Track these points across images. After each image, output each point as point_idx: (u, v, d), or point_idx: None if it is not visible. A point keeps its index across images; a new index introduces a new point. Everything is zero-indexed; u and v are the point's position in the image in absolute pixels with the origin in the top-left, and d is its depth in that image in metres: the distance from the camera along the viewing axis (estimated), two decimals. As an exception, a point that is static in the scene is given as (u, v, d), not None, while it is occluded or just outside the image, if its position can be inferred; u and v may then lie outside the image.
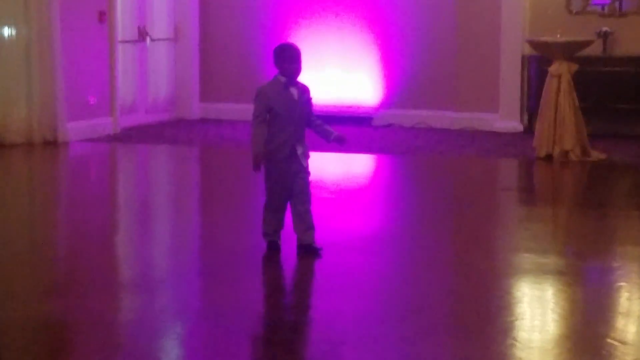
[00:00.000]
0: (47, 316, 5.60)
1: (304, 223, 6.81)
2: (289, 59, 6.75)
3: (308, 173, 6.85)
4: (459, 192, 9.65)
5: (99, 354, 4.97)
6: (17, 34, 11.88)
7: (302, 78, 6.86)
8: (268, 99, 6.74)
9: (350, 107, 13.86)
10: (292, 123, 6.73)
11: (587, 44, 11.42)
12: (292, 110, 6.74)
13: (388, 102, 13.85)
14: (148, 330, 5.40)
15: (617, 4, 13.02)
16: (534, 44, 11.79)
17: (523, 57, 13.10)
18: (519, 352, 4.97)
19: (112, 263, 6.95)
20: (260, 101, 6.77)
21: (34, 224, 8.24)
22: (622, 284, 6.35)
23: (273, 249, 6.86)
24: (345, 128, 12.97)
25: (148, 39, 14.04)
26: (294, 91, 6.76)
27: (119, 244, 7.55)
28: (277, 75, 6.80)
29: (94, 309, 5.68)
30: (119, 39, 13.27)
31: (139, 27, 13.89)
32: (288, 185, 6.77)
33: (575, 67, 11.02)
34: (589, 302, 5.99)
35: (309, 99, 6.88)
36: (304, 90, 6.85)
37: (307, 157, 6.86)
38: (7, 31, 11.86)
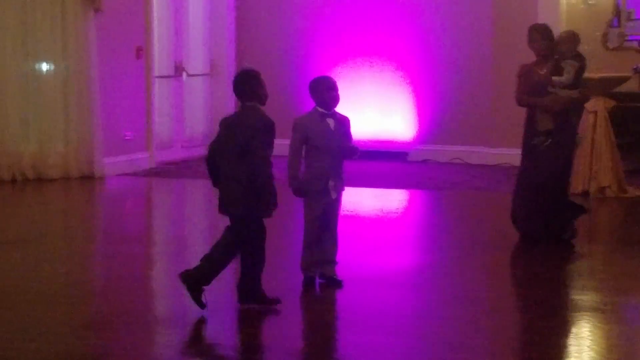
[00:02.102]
0: (83, 351, 5.63)
1: (329, 257, 6.85)
2: (326, 89, 6.78)
3: (339, 205, 6.87)
4: (495, 228, 9.60)
5: (135, 389, 4.99)
6: (55, 69, 12.01)
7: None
8: (305, 129, 6.76)
9: (386, 142, 13.87)
10: (329, 153, 6.74)
11: (623, 79, 11.40)
12: (329, 141, 6.75)
13: (423, 137, 13.84)
14: (184, 365, 5.41)
15: (653, 39, 13.00)
16: (570, 80, 11.75)
17: (559, 92, 13.06)
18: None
19: (148, 298, 6.98)
20: (297, 131, 6.81)
21: (71, 259, 8.28)
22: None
23: (309, 284, 6.86)
24: (381, 164, 13.01)
25: (184, 74, 14.14)
26: (330, 122, 6.77)
27: (155, 279, 7.57)
28: (315, 107, 6.83)
29: (130, 344, 5.70)
30: (156, 74, 13.38)
31: (175, 63, 14.00)
32: (323, 218, 6.78)
33: (611, 103, 10.99)
34: (626, 339, 5.94)
35: (347, 131, 6.87)
36: (343, 121, 6.85)
37: (342, 189, 6.87)
38: (45, 66, 12.01)
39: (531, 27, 8.62)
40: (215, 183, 6.54)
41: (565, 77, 8.32)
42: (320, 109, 6.79)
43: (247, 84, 6.51)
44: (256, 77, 6.65)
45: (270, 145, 6.36)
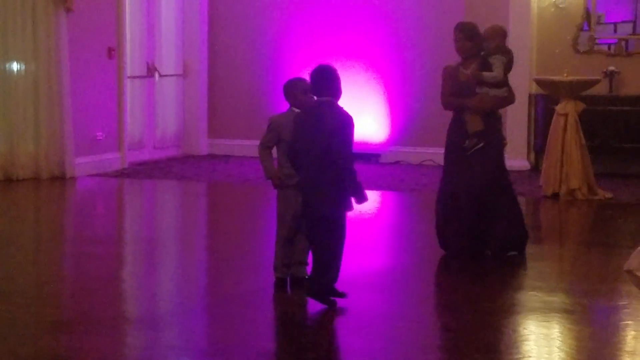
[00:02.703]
0: (53, 352, 5.60)
1: (300, 257, 6.85)
2: (301, 91, 6.79)
3: None
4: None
5: (105, 390, 4.97)
6: (26, 69, 11.95)
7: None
8: (280, 129, 6.77)
9: (358, 144, 13.82)
10: None
11: (593, 83, 11.46)
12: None
13: (396, 139, 13.87)
14: (154, 366, 5.41)
15: (623, 43, 13.08)
16: (541, 83, 11.84)
17: (530, 95, 13.14)
18: (525, 390, 4.96)
19: (118, 299, 6.95)
20: (272, 130, 6.82)
21: (41, 260, 8.25)
22: (628, 322, 6.35)
23: (280, 285, 6.86)
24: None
25: (156, 75, 14.11)
26: None
27: (126, 280, 7.55)
28: (290, 107, 6.83)
29: (100, 346, 5.68)
30: (128, 74, 13.34)
31: (147, 63, 13.97)
32: (297, 215, 6.78)
33: (582, 106, 11.05)
34: (596, 341, 5.98)
35: None
36: None
37: None
38: (16, 66, 11.93)
39: (455, 27, 8.11)
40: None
41: (497, 72, 7.96)
42: (295, 110, 6.80)
43: (327, 79, 6.45)
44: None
45: (352, 140, 6.36)
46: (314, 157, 6.29)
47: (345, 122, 6.30)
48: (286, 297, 6.76)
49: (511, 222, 7.98)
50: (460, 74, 8.04)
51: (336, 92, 6.43)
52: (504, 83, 8.04)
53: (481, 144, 7.90)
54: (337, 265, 6.41)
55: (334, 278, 6.42)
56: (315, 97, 6.46)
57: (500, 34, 8.13)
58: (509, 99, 8.21)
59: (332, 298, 6.39)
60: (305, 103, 6.77)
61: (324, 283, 6.38)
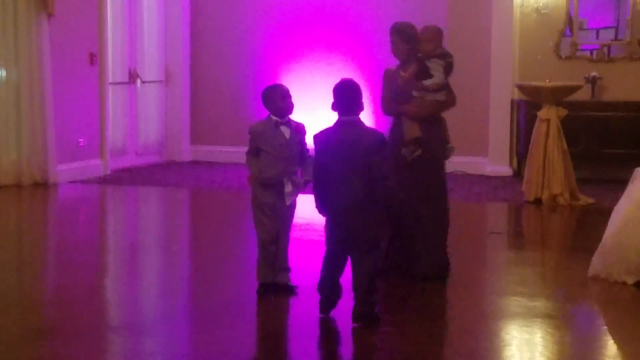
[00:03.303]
0: (35, 359, 5.58)
1: (283, 264, 6.84)
2: (280, 97, 6.78)
3: (293, 212, 6.87)
4: (448, 236, 9.64)
5: (87, 397, 4.96)
6: (7, 75, 11.91)
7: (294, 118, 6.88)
8: (257, 137, 6.77)
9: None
10: (281, 161, 6.74)
11: (575, 88, 11.50)
12: (282, 149, 6.75)
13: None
14: (136, 373, 5.39)
15: (605, 49, 13.13)
16: (523, 89, 11.87)
17: (512, 101, 13.18)
18: (507, 396, 4.97)
19: (100, 306, 6.93)
20: (251, 139, 6.82)
21: (23, 266, 8.21)
22: (609, 327, 6.37)
23: (264, 292, 6.83)
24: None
25: (139, 81, 14.09)
26: (285, 130, 6.77)
27: (108, 287, 7.53)
28: (269, 115, 6.83)
29: (82, 353, 5.66)
30: (110, 80, 13.31)
31: (129, 69, 13.94)
32: (276, 218, 6.77)
33: (564, 111, 11.09)
34: (577, 346, 6.00)
35: (302, 139, 6.87)
36: (298, 129, 6.84)
37: (296, 194, 6.85)
38: (-3, 73, 11.90)
39: (391, 28, 7.63)
40: (324, 209, 6.22)
41: (437, 77, 7.47)
42: (274, 117, 6.79)
43: (351, 95, 6.19)
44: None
45: (387, 159, 6.15)
46: (347, 180, 6.03)
47: (381, 142, 6.08)
48: (269, 303, 6.75)
49: (432, 248, 7.42)
50: (399, 78, 7.54)
51: (361, 108, 6.19)
52: (442, 86, 7.55)
53: (419, 152, 7.40)
54: (375, 287, 6.19)
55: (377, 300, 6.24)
56: (338, 115, 6.20)
57: (437, 35, 7.59)
58: (448, 102, 7.64)
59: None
60: (285, 109, 6.76)
61: (372, 308, 6.15)
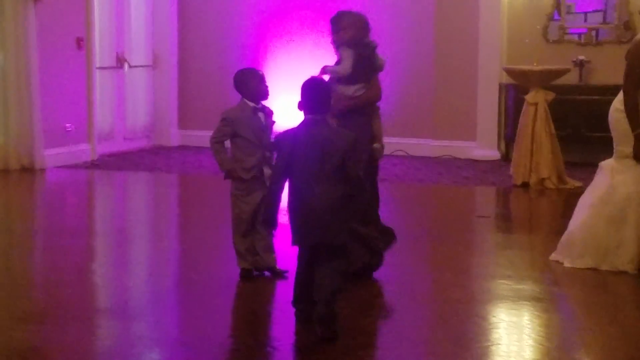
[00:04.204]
0: (23, 343, 5.58)
1: (267, 246, 6.82)
2: (258, 81, 6.75)
3: None
4: (437, 220, 9.67)
5: (75, 381, 4.96)
6: (-6, 60, 11.88)
7: (274, 103, 6.86)
8: (234, 123, 6.73)
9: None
10: (260, 147, 6.73)
11: (563, 72, 11.51)
12: (261, 135, 6.74)
13: (366, 129, 13.86)
14: (124, 358, 5.39)
15: (593, 33, 13.13)
16: (511, 73, 11.87)
17: (500, 85, 13.17)
18: (495, 378, 4.98)
19: (89, 290, 6.93)
20: (226, 125, 6.76)
21: (10, 251, 8.20)
22: (595, 309, 6.39)
23: (246, 277, 6.82)
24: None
25: (126, 66, 14.04)
26: (261, 115, 6.77)
27: (96, 272, 7.52)
28: (243, 100, 6.78)
29: (70, 337, 5.67)
30: (97, 65, 13.27)
31: (117, 54, 13.90)
32: (255, 208, 6.77)
33: (551, 95, 11.10)
34: (565, 328, 6.02)
35: (272, 123, 6.86)
36: (269, 113, 6.84)
37: None
38: (-16, 58, 11.86)
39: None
40: (274, 213, 5.76)
41: (342, 66, 6.84)
42: (250, 103, 6.75)
43: (322, 94, 5.75)
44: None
45: (361, 160, 5.95)
46: (324, 177, 5.57)
47: (353, 142, 5.64)
48: (257, 287, 6.75)
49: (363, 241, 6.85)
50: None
51: (329, 108, 5.80)
52: (356, 79, 6.88)
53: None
54: (339, 291, 5.68)
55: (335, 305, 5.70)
56: (305, 113, 5.71)
57: (354, 24, 6.98)
58: (367, 96, 6.94)
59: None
60: (264, 93, 6.73)
61: (333, 314, 5.62)
